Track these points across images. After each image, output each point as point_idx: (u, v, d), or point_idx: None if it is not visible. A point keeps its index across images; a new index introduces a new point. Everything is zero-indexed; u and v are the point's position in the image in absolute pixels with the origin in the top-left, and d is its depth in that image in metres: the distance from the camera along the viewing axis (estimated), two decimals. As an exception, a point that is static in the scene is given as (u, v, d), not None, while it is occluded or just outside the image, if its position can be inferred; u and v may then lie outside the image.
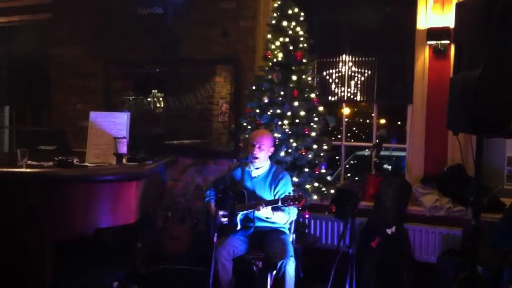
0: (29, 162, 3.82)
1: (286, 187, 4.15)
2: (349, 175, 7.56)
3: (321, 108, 5.02)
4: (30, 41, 7.01)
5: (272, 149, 4.31)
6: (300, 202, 3.82)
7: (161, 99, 6.40)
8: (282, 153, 4.78)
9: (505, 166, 4.95)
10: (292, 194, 3.85)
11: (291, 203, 3.82)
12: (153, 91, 6.41)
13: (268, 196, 4.15)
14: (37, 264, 3.58)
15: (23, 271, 3.58)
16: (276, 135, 4.76)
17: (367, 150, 7.37)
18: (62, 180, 3.64)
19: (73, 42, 6.71)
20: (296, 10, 5.02)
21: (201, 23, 6.01)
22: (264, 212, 3.89)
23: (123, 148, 4.04)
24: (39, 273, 3.59)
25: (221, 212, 4.05)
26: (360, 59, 5.53)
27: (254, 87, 5.09)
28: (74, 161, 3.95)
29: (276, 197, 4.05)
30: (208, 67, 6.13)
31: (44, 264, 3.58)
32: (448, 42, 4.94)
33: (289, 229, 4.29)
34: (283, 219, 4.10)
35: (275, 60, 4.97)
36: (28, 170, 3.67)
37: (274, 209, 3.96)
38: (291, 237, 4.25)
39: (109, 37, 6.41)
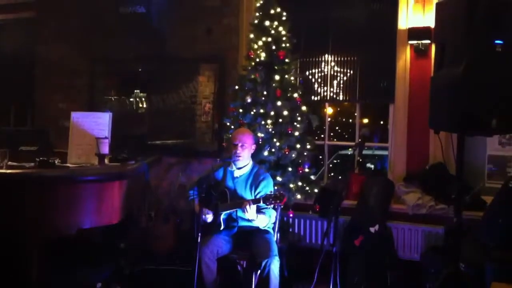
0: (9, 163, 3.78)
1: (266, 188, 4.14)
2: (332, 174, 7.59)
3: (304, 108, 5.04)
4: (14, 39, 6.94)
5: (254, 147, 4.32)
6: (282, 200, 3.83)
7: (143, 99, 6.37)
8: (266, 153, 4.79)
9: (486, 164, 5.01)
10: (274, 193, 3.86)
11: (273, 201, 3.83)
12: (135, 91, 6.38)
13: (249, 196, 4.15)
14: (21, 265, 3.54)
15: (7, 271, 3.53)
16: (259, 134, 4.77)
17: (350, 149, 7.41)
18: (43, 181, 3.59)
19: (58, 40, 6.66)
20: (278, 9, 5.03)
21: (185, 21, 6.00)
22: (251, 212, 3.89)
23: (105, 149, 4.00)
24: (24, 274, 3.55)
25: (205, 209, 4.04)
26: (342, 58, 5.56)
27: (237, 87, 5.09)
28: (56, 162, 3.91)
29: (257, 198, 4.05)
30: (192, 65, 6.11)
31: (28, 265, 3.54)
32: (429, 41, 4.99)
33: (273, 228, 4.29)
34: (264, 221, 4.11)
35: (258, 59, 4.97)
36: (8, 171, 3.62)
37: (257, 211, 3.97)
38: (275, 236, 4.26)
39: (94, 36, 6.38)
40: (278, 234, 4.41)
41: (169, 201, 5.73)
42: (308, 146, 5.01)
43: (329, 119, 5.94)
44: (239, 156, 4.18)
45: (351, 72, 5.52)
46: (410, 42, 5.08)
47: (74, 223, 3.62)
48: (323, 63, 5.64)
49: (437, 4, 3.72)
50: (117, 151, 4.31)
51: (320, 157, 5.93)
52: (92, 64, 6.51)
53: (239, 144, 4.18)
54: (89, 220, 3.69)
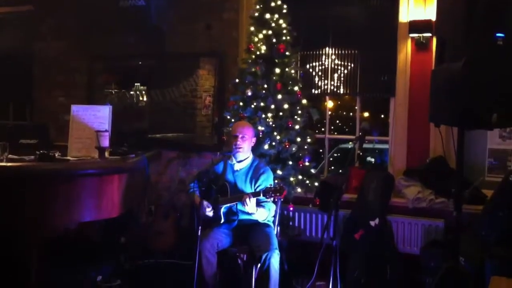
0: (9, 156, 3.77)
1: (266, 182, 4.14)
2: (332, 168, 7.60)
3: (304, 101, 5.03)
4: (12, 35, 6.91)
5: (254, 139, 4.32)
6: (282, 193, 3.83)
7: (144, 92, 6.35)
8: (266, 146, 4.78)
9: (486, 158, 5.00)
10: (274, 186, 3.86)
11: (273, 194, 3.83)
12: (136, 84, 6.37)
13: (249, 190, 4.15)
14: (20, 260, 3.54)
15: (7, 266, 3.53)
16: (259, 128, 4.76)
17: (350, 143, 7.41)
18: (43, 174, 3.59)
19: (56, 35, 6.64)
20: (279, 2, 5.01)
21: (185, 16, 5.98)
22: (251, 205, 3.89)
23: (105, 142, 4.00)
24: (24, 269, 3.55)
25: (206, 202, 4.04)
26: (343, 52, 5.54)
27: (237, 80, 5.08)
28: (56, 155, 3.90)
29: (257, 191, 4.05)
30: (192, 60, 6.10)
31: (27, 260, 3.54)
32: (430, 35, 4.96)
33: (273, 222, 4.30)
34: (264, 215, 4.11)
35: (258, 53, 4.96)
36: (8, 164, 3.61)
37: (257, 204, 3.98)
38: (275, 230, 4.26)
39: (94, 31, 6.35)
40: (278, 228, 4.42)
41: (169, 196, 5.73)
42: (309, 140, 5.01)
43: (329, 112, 5.93)
44: (240, 148, 4.18)
45: (352, 65, 5.49)
46: (411, 35, 5.05)
47: (74, 217, 3.62)
48: (323, 57, 5.61)
49: (438, -3, 3.71)
50: (117, 144, 4.31)
51: (321, 150, 5.93)
52: (91, 59, 6.50)
53: (240, 136, 4.18)
54: (89, 214, 3.69)
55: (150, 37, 6.09)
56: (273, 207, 4.16)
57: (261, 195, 3.88)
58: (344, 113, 10.52)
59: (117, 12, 5.95)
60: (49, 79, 6.72)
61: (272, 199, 3.94)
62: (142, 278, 4.90)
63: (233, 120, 4.97)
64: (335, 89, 5.59)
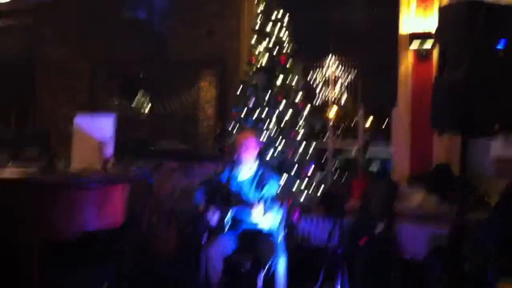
0: (12, 168, 3.78)
1: (272, 191, 4.14)
2: (335, 176, 7.58)
3: (306, 112, 5.04)
4: (15, 41, 6.97)
5: (257, 149, 4.32)
6: (287, 202, 3.84)
7: (145, 104, 6.38)
8: (268, 157, 4.78)
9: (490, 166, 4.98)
10: (278, 195, 3.87)
11: (278, 203, 3.83)
12: (137, 96, 6.39)
13: (253, 199, 4.15)
14: (24, 267, 3.55)
15: (10, 273, 3.54)
16: (261, 139, 4.77)
17: (353, 151, 7.40)
18: (46, 185, 3.60)
19: (59, 43, 6.68)
20: (280, 14, 5.03)
21: (186, 26, 6.02)
22: (256, 213, 3.89)
23: (108, 152, 4.01)
24: (26, 275, 3.55)
25: (210, 212, 4.04)
26: (344, 62, 5.56)
27: (239, 92, 5.09)
28: (59, 166, 3.91)
29: (263, 199, 4.05)
30: (194, 70, 6.12)
31: (30, 267, 3.55)
32: (430, 46, 4.98)
33: (278, 229, 4.29)
34: (269, 223, 4.11)
35: (259, 65, 4.97)
36: (11, 176, 3.62)
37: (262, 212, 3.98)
38: (280, 237, 4.25)
39: (96, 39, 6.40)
40: (283, 235, 4.40)
41: (171, 205, 5.73)
42: (311, 150, 5.01)
43: (331, 122, 5.94)
44: (243, 159, 4.19)
45: (354, 76, 5.52)
46: (412, 47, 5.06)
47: (77, 226, 3.63)
48: (325, 67, 5.64)
49: (439, 8, 3.74)
50: (120, 155, 4.33)
51: (323, 160, 5.93)
52: (93, 65, 6.54)
53: (243, 147, 4.19)
54: (93, 223, 3.70)
55: (152, 48, 6.14)
56: (278, 215, 4.15)
57: (267, 203, 3.88)
58: (346, 122, 10.54)
59: (119, 24, 6.00)
60: (51, 85, 6.76)
61: (277, 207, 3.94)
62: (145, 287, 4.88)
63: (235, 131, 4.98)
64: (337, 99, 5.60)
